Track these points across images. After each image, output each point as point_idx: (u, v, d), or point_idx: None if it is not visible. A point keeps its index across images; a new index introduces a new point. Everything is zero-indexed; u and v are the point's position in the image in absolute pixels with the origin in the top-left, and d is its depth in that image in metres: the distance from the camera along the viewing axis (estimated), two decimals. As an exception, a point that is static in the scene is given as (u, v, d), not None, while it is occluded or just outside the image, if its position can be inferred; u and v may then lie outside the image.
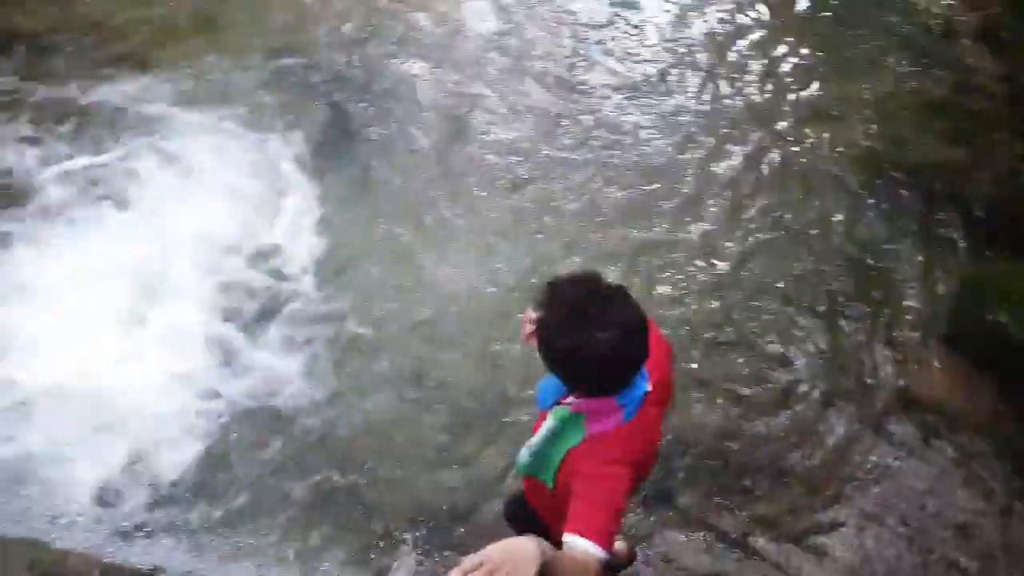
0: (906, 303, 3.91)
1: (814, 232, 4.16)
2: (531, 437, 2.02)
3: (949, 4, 5.04)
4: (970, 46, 4.79)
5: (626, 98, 4.65)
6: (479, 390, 3.56)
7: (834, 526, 3.27)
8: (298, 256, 3.95)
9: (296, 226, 4.05)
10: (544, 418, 1.98)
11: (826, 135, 4.51)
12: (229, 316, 3.75)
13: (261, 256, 3.96)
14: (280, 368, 3.59)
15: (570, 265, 3.90)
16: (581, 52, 4.84)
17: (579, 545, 1.65)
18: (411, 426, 3.48)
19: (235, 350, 3.65)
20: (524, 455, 2.03)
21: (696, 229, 4.14)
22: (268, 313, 3.79)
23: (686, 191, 4.28)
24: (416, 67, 4.75)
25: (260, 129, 4.39)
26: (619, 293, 1.73)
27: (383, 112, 4.53)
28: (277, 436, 3.43)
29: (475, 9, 5.02)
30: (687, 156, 4.41)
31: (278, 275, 3.91)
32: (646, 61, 4.82)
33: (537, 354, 1.80)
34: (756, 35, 4.98)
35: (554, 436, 1.90)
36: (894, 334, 3.80)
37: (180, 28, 4.74)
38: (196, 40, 4.70)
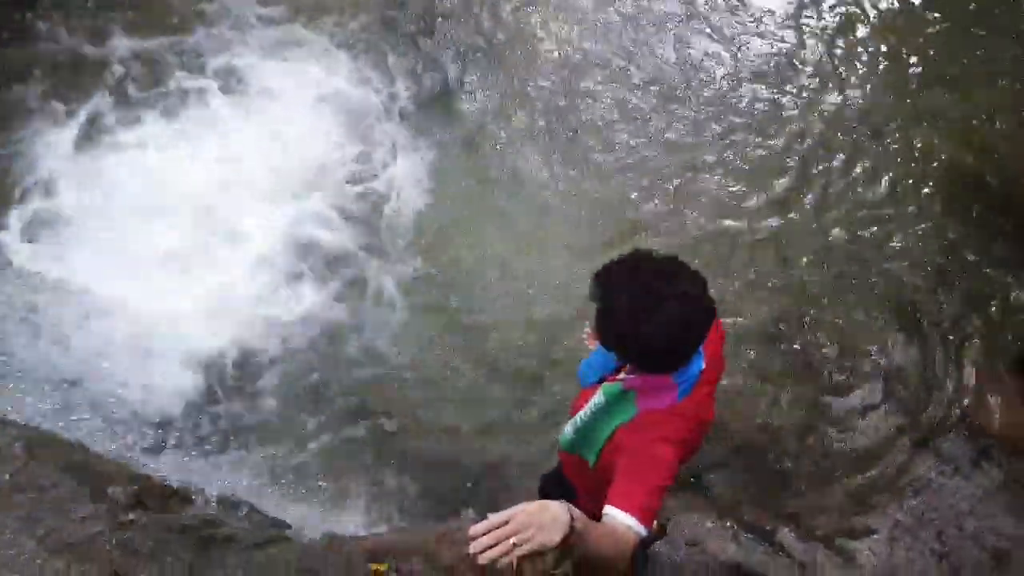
0: (981, 323, 3.74)
1: (898, 242, 3.99)
2: (571, 414, 1.98)
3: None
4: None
5: (734, 86, 4.45)
6: (541, 369, 3.56)
7: (866, 532, 3.18)
8: (393, 209, 3.90)
9: (397, 178, 3.98)
10: (586, 396, 1.94)
11: (929, 143, 4.27)
12: (316, 249, 3.74)
13: (361, 197, 3.91)
14: (357, 315, 3.61)
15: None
16: (704, 27, 4.63)
17: (620, 519, 1.60)
18: (467, 393, 3.51)
19: (312, 285, 3.66)
20: (568, 431, 1.98)
21: (779, 226, 4.01)
22: (358, 255, 3.78)
23: (777, 188, 4.12)
24: (537, 18, 4.57)
25: (367, 62, 4.28)
26: (679, 266, 1.67)
27: (499, 67, 4.38)
28: (336, 374, 3.48)
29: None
30: (786, 151, 4.23)
31: (372, 224, 3.87)
32: (765, 49, 4.59)
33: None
34: (873, 40, 4.69)
35: (602, 412, 1.85)
36: (964, 352, 3.65)
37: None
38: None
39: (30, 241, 3.54)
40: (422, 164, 4.05)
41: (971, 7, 4.78)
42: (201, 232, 3.65)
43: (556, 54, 4.47)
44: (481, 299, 3.72)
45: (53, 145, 3.78)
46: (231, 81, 4.08)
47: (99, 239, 3.55)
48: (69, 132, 3.83)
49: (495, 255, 3.83)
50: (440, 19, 4.50)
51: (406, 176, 3.99)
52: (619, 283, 1.65)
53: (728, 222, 4.01)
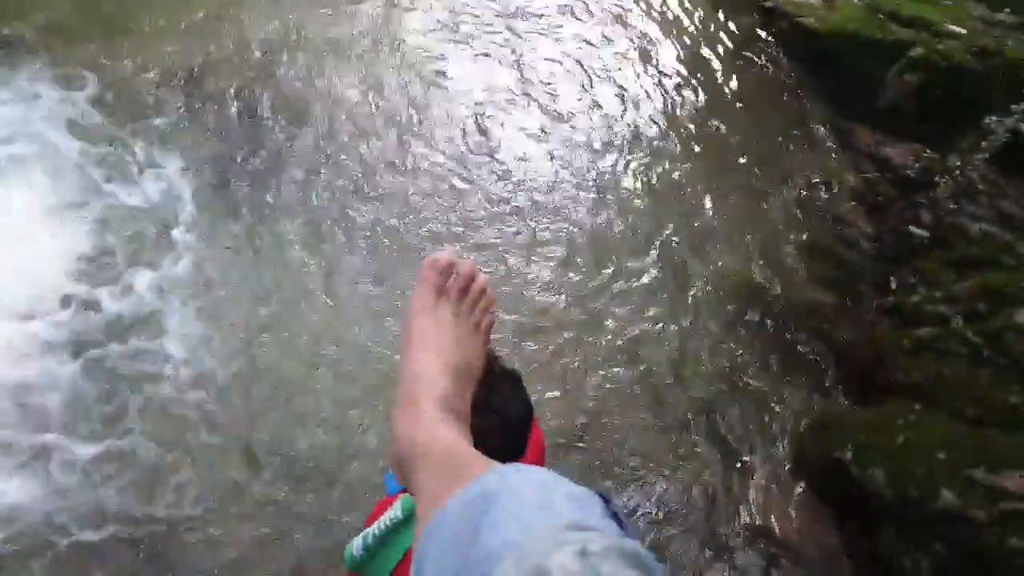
0: (764, 433, 3.93)
1: (679, 352, 4.13)
2: (367, 524, 1.75)
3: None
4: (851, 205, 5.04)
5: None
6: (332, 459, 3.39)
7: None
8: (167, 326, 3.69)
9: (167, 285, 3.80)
10: (384, 506, 1.76)
11: (710, 256, 4.57)
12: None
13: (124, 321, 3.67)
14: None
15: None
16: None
17: None
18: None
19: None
20: (356, 546, 1.72)
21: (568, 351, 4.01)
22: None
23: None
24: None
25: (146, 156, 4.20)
26: (510, 378, 1.60)
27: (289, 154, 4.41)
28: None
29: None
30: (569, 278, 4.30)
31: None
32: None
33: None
34: (654, 155, 5.06)
35: (397, 529, 1.66)
36: (748, 461, 3.81)
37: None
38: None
39: None
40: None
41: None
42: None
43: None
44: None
45: None
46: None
47: None
48: None
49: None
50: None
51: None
52: None
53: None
